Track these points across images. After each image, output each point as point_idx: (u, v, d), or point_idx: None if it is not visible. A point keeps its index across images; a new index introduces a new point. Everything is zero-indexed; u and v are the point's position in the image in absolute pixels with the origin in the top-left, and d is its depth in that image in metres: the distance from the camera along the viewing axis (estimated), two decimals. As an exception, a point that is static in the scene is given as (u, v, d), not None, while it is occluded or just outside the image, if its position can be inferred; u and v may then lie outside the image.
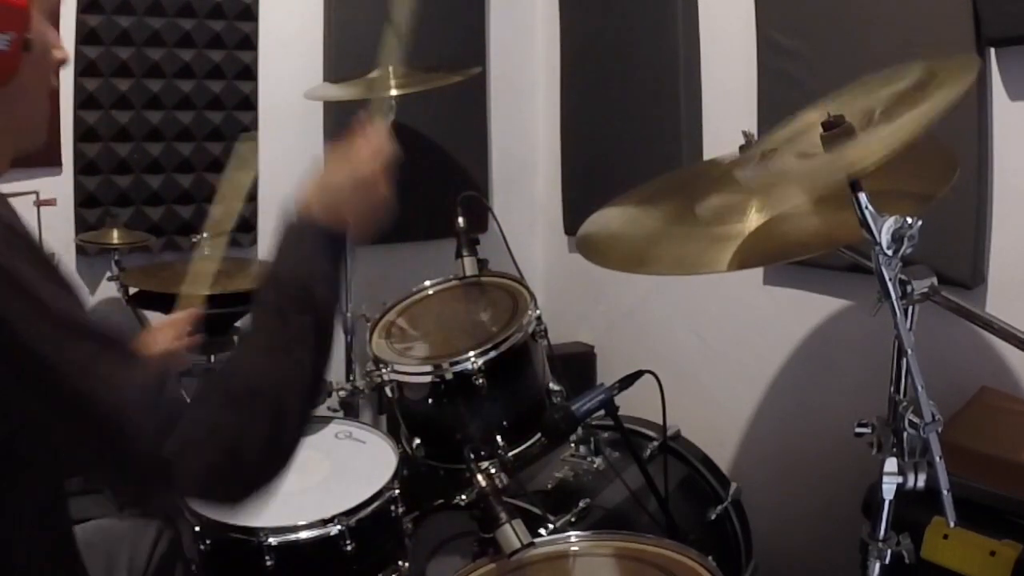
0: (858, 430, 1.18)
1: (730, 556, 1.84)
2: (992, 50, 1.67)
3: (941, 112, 0.98)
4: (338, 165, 1.08)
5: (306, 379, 0.97)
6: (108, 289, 2.26)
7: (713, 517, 1.83)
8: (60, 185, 2.20)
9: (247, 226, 2.47)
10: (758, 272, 2.21)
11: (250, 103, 2.42)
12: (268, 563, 1.55)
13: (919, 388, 1.02)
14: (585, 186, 2.72)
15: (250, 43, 2.40)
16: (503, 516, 1.40)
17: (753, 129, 1.42)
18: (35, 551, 0.93)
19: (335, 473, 1.79)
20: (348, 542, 1.60)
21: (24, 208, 2.01)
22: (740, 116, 2.09)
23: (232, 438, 0.89)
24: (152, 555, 1.42)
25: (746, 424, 2.30)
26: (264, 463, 0.92)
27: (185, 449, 0.85)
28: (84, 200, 2.25)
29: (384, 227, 1.09)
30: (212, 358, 2.16)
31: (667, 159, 2.35)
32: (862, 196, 1.01)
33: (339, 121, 2.54)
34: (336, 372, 2.27)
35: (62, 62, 1.01)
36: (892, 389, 1.15)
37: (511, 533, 1.38)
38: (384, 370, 1.80)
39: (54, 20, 0.99)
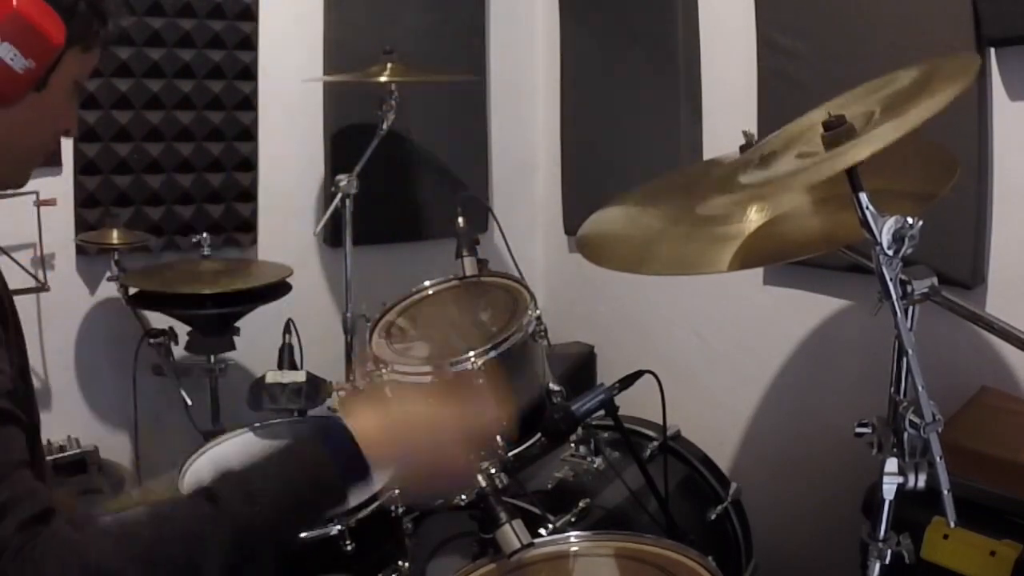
0: (858, 430, 1.17)
1: (730, 556, 1.84)
2: (992, 50, 1.67)
3: (940, 106, 0.98)
4: (427, 407, 0.89)
5: None
6: (108, 289, 2.27)
7: (713, 517, 1.83)
8: (60, 185, 2.20)
9: (247, 226, 2.47)
10: (758, 272, 2.21)
11: (250, 103, 2.42)
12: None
13: (919, 388, 1.02)
14: (585, 186, 2.72)
15: (250, 43, 2.40)
16: (503, 516, 1.39)
17: (753, 129, 1.42)
18: None
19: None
20: (348, 542, 1.60)
21: (24, 208, 2.03)
22: (740, 116, 2.09)
23: None
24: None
25: (746, 424, 2.30)
26: None
27: None
28: (84, 200, 2.25)
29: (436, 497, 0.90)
30: (212, 358, 2.16)
31: (667, 159, 2.35)
32: (863, 196, 1.01)
33: (339, 121, 2.54)
34: (336, 372, 2.27)
35: (66, 131, 0.99)
36: (892, 389, 1.15)
37: (511, 533, 1.38)
38: (384, 370, 1.80)
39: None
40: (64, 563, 0.72)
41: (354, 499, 0.89)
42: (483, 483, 1.50)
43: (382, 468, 0.83)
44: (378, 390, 0.85)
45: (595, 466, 1.88)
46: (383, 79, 2.12)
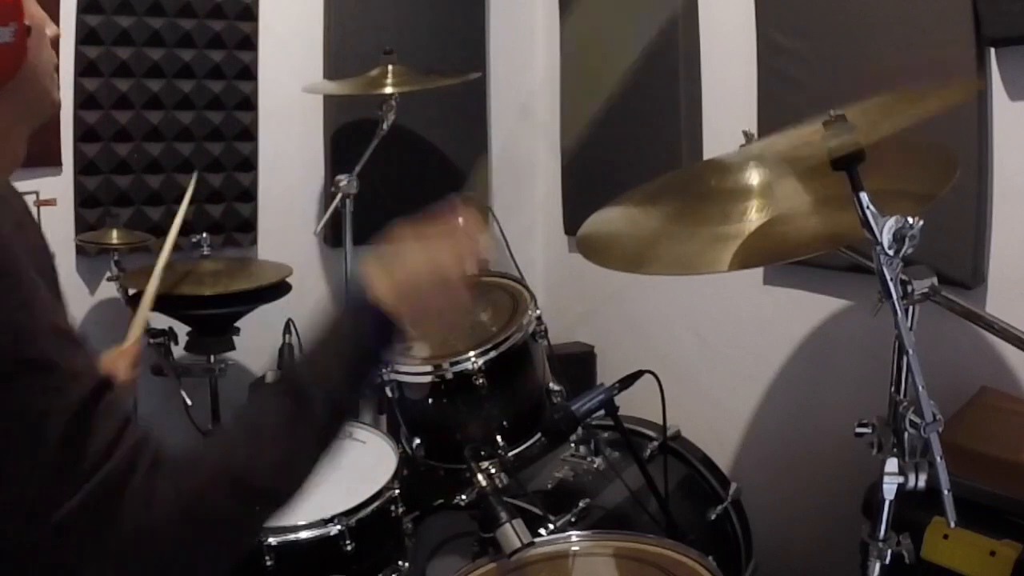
0: (858, 430, 1.18)
1: (730, 556, 1.84)
2: (992, 50, 1.67)
3: (939, 109, 0.98)
4: (423, 256, 0.98)
5: (301, 484, 0.93)
6: (108, 289, 2.26)
7: (713, 517, 1.83)
8: (60, 185, 2.20)
9: (247, 226, 2.47)
10: (758, 272, 2.21)
11: (250, 103, 2.42)
12: (268, 563, 1.55)
13: (919, 388, 1.02)
14: (585, 186, 2.72)
15: (250, 43, 2.40)
16: (503, 516, 1.40)
17: (753, 129, 1.42)
18: None
19: (335, 473, 1.78)
20: (348, 542, 1.60)
21: (24, 208, 2.03)
22: (740, 116, 2.09)
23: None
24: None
25: (746, 424, 2.30)
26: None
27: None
28: (84, 200, 2.24)
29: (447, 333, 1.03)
30: (212, 358, 2.16)
31: (667, 159, 2.35)
32: (863, 196, 1.01)
33: (339, 121, 2.54)
34: (336, 372, 2.28)
35: (56, 37, 1.02)
36: (892, 389, 1.15)
37: (511, 533, 1.38)
38: (384, 370, 1.80)
39: None
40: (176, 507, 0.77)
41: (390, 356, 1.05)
42: (483, 483, 1.51)
43: (405, 323, 0.94)
44: (383, 259, 0.97)
45: (595, 466, 1.88)
46: (385, 90, 2.13)
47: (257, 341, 2.22)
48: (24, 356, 0.73)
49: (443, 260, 0.98)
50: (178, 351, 2.18)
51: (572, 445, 1.91)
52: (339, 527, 1.60)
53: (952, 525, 0.99)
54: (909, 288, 1.06)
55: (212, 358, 2.16)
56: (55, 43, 1.03)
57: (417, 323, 0.96)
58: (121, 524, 0.74)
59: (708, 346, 2.40)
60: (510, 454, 1.75)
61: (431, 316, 0.98)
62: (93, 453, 0.74)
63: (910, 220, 1.00)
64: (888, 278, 1.02)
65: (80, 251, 2.26)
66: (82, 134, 2.22)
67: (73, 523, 0.72)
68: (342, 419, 0.96)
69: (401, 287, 0.95)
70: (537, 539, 1.44)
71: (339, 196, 2.22)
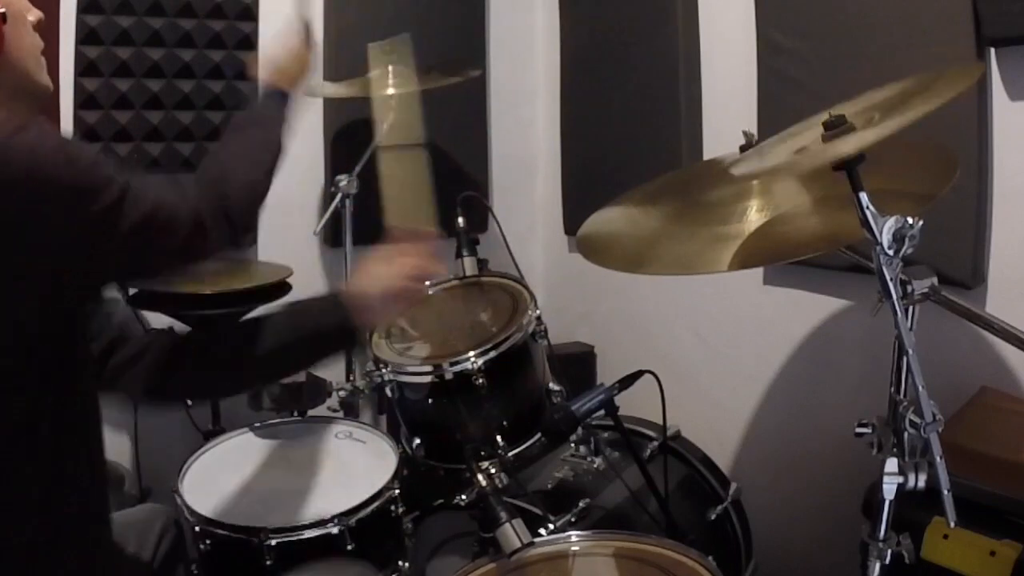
0: (858, 430, 1.18)
1: (730, 556, 1.84)
2: (992, 50, 1.67)
3: (938, 106, 0.98)
4: (378, 270, 1.33)
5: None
6: (108, 289, 2.26)
7: (713, 517, 1.83)
8: (60, 185, 2.20)
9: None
10: (758, 272, 2.21)
11: (250, 103, 2.42)
12: (268, 563, 1.55)
13: (919, 388, 1.02)
14: (585, 186, 2.72)
15: (250, 43, 2.40)
16: (503, 516, 1.40)
17: (753, 129, 1.42)
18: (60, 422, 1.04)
19: (335, 473, 1.79)
20: (348, 542, 1.60)
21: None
22: (740, 116, 2.09)
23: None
24: (156, 554, 1.42)
25: (746, 424, 2.30)
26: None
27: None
28: (84, 200, 2.24)
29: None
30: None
31: (667, 159, 2.35)
32: (863, 196, 1.01)
33: (338, 121, 2.54)
34: (336, 372, 2.27)
35: (39, 21, 1.08)
36: (892, 389, 1.15)
37: (511, 533, 1.38)
38: (384, 370, 1.80)
39: None
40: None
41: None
42: (483, 483, 1.51)
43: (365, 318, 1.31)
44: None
45: (595, 466, 1.88)
46: (386, 93, 2.12)
47: (257, 341, 2.21)
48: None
49: (396, 273, 1.33)
50: (178, 351, 2.18)
51: (572, 445, 1.91)
52: (339, 527, 1.60)
53: (952, 525, 0.99)
54: (909, 288, 1.06)
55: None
56: (38, 27, 1.07)
57: (373, 317, 1.33)
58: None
59: (708, 346, 2.40)
60: (510, 454, 1.75)
61: (379, 316, 1.37)
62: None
63: (910, 220, 1.00)
64: (888, 278, 1.02)
65: (80, 251, 2.25)
66: (82, 134, 2.22)
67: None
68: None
69: (363, 293, 1.31)
70: (537, 539, 1.44)
71: (339, 196, 2.22)
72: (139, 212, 1.02)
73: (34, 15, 1.09)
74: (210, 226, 1.15)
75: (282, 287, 2.16)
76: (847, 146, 1.01)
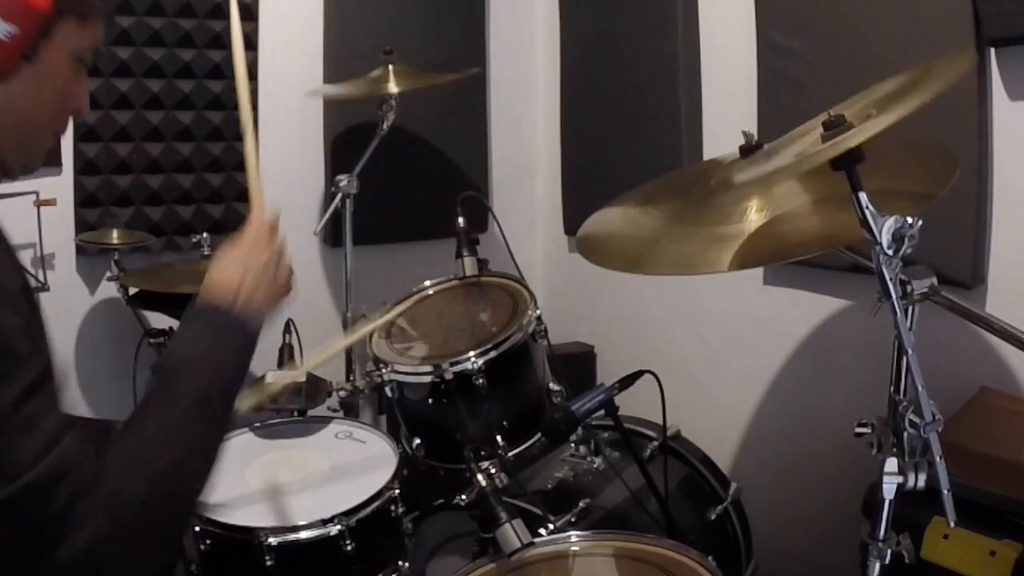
0: (858, 430, 1.17)
1: (730, 556, 1.84)
2: (992, 50, 1.67)
3: (936, 93, 0.97)
4: (232, 258, 1.17)
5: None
6: (108, 289, 2.27)
7: (713, 517, 1.83)
8: (60, 185, 2.20)
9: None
10: (758, 272, 2.21)
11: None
12: (268, 563, 1.55)
13: (919, 388, 1.02)
14: (585, 186, 2.72)
15: (250, 43, 2.40)
16: (503, 516, 1.40)
17: (753, 129, 1.42)
18: None
19: (335, 473, 1.79)
20: (348, 542, 1.60)
21: (24, 208, 2.03)
22: (740, 116, 2.09)
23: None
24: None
25: (746, 424, 2.30)
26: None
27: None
28: (84, 200, 2.25)
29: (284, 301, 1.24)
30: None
31: (667, 159, 2.35)
32: (862, 196, 1.01)
33: (339, 121, 2.54)
34: (336, 372, 2.27)
35: (76, 111, 1.00)
36: (892, 389, 1.14)
37: (511, 533, 1.38)
38: (384, 370, 1.80)
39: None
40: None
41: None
42: (483, 483, 1.51)
43: (249, 308, 1.13)
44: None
45: (595, 466, 1.88)
46: (386, 91, 2.13)
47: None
48: None
49: (248, 250, 1.19)
50: (178, 351, 2.18)
51: (572, 445, 1.91)
52: (339, 527, 1.60)
53: (952, 525, 0.99)
54: (909, 288, 1.06)
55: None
56: (72, 114, 1.00)
57: (259, 303, 1.16)
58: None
59: (708, 346, 2.40)
60: (510, 454, 1.75)
61: (268, 292, 1.20)
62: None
63: (909, 220, 1.00)
64: (888, 278, 1.02)
65: (80, 251, 2.26)
66: (82, 134, 2.22)
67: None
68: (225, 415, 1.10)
69: (232, 283, 1.14)
70: (537, 539, 1.43)
71: (339, 196, 2.22)
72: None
73: (79, 105, 0.99)
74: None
75: (282, 287, 2.16)
76: (844, 141, 1.00)
